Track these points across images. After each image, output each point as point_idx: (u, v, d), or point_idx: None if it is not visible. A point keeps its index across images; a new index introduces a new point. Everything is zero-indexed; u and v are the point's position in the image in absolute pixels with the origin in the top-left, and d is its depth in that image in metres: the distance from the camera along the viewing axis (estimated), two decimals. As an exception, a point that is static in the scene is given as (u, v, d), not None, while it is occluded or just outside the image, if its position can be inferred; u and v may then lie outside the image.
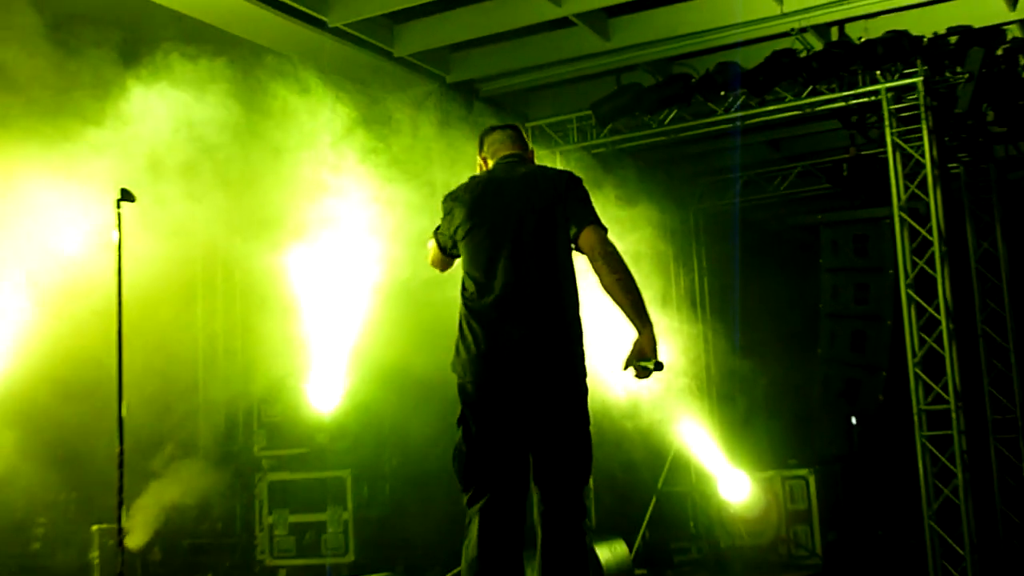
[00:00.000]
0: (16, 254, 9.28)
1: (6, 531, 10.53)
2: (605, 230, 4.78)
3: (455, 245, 4.97)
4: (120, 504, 5.81)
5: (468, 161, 9.14)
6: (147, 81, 8.19)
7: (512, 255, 4.69)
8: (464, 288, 4.81)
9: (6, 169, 8.54)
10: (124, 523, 5.89)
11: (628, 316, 4.67)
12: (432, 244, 5.19)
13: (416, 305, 9.25)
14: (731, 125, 10.66)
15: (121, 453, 5.86)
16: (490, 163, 5.14)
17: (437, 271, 5.26)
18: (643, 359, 4.60)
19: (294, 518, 10.60)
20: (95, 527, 10.10)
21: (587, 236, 4.72)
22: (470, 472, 4.69)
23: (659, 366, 4.65)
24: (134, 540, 7.74)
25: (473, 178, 5.11)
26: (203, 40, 9.10)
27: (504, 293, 4.66)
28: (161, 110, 8.19)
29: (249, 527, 11.04)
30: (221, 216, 10.85)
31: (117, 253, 6.14)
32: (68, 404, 8.46)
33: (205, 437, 9.86)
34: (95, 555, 10.44)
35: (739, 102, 10.41)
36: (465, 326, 4.73)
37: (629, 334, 4.63)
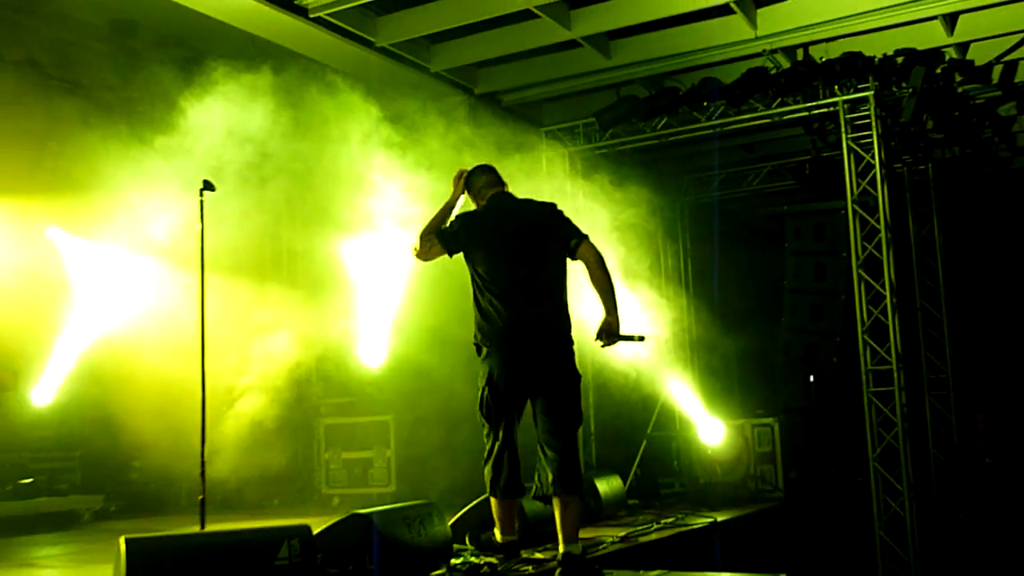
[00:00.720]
0: (119, 238, 9.39)
1: (112, 466, 10.67)
2: (588, 239, 5.54)
3: (459, 250, 5.57)
4: (203, 442, 5.83)
5: (489, 158, 9.20)
6: (220, 90, 8.15)
7: (522, 261, 5.42)
8: (482, 283, 5.43)
9: (96, 166, 8.58)
10: (206, 457, 5.89)
11: (604, 303, 5.45)
12: (428, 241, 5.58)
13: (449, 278, 9.29)
14: (712, 131, 10.62)
15: (203, 399, 5.89)
16: (484, 198, 5.73)
17: (421, 260, 5.68)
18: (611, 334, 5.41)
19: (346, 455, 10.68)
20: (182, 460, 10.24)
21: (584, 248, 5.50)
22: (494, 413, 5.41)
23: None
24: (214, 472, 7.79)
25: (479, 208, 5.72)
26: (268, 56, 9.13)
27: (519, 286, 5.38)
28: (231, 115, 8.17)
29: (309, 462, 11.14)
30: (285, 206, 10.95)
31: (200, 236, 6.10)
32: (167, 360, 8.48)
33: (276, 388, 9.88)
34: (182, 484, 10.62)
35: (719, 111, 10.37)
36: (488, 308, 5.40)
37: (599, 315, 5.49)
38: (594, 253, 5.50)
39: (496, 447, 5.44)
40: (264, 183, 9.06)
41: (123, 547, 4.04)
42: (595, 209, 10.25)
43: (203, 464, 5.82)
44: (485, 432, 5.49)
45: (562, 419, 5.41)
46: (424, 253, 5.61)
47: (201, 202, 6.04)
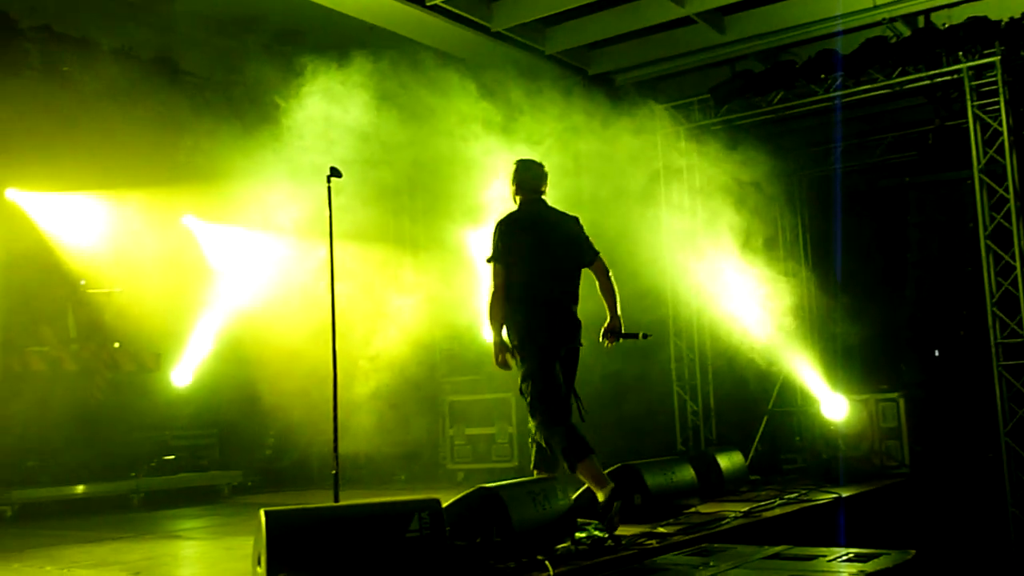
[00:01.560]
0: (253, 223, 9.65)
1: (248, 443, 11.06)
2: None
3: (512, 261, 5.89)
4: (335, 419, 5.97)
5: (606, 137, 9.17)
6: (342, 80, 8.26)
7: (563, 267, 6.02)
8: (530, 287, 5.86)
9: (228, 157, 8.83)
10: (340, 432, 6.02)
11: (611, 308, 6.16)
12: (497, 272, 5.91)
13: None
14: (830, 103, 10.34)
15: (335, 378, 6.02)
16: (524, 196, 6.10)
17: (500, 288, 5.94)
18: (615, 332, 6.13)
19: (470, 431, 10.82)
20: (314, 437, 10.54)
21: (598, 263, 6.18)
22: (563, 401, 5.89)
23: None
24: (344, 448, 7.98)
25: (521, 212, 6.07)
26: (382, 43, 9.26)
27: (562, 291, 5.98)
28: (352, 105, 8.27)
29: (434, 438, 11.33)
30: (407, 192, 11.13)
31: (328, 220, 6.17)
32: (300, 340, 8.72)
33: (403, 366, 10.10)
34: (314, 459, 10.94)
35: (837, 83, 10.09)
36: (539, 311, 5.86)
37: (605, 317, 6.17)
38: (604, 265, 6.20)
39: (566, 431, 5.81)
40: (386, 169, 9.23)
41: (263, 519, 4.19)
42: (711, 185, 10.11)
43: (335, 440, 5.95)
44: (552, 420, 5.81)
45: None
46: (501, 285, 5.92)
47: (329, 188, 6.12)
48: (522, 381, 5.88)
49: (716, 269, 9.76)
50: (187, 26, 10.32)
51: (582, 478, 5.75)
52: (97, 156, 8.93)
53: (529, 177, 6.13)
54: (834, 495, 7.59)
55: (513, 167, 6.21)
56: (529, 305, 5.85)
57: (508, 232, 5.93)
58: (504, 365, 5.99)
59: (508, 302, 5.86)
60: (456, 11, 9.75)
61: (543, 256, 5.93)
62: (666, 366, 10.98)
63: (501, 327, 5.90)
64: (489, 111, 8.56)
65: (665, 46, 10.89)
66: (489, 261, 5.94)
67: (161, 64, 9.83)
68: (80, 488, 8.88)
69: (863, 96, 10.24)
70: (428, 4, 9.48)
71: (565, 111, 8.94)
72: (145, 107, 9.51)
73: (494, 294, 5.87)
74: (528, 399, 5.87)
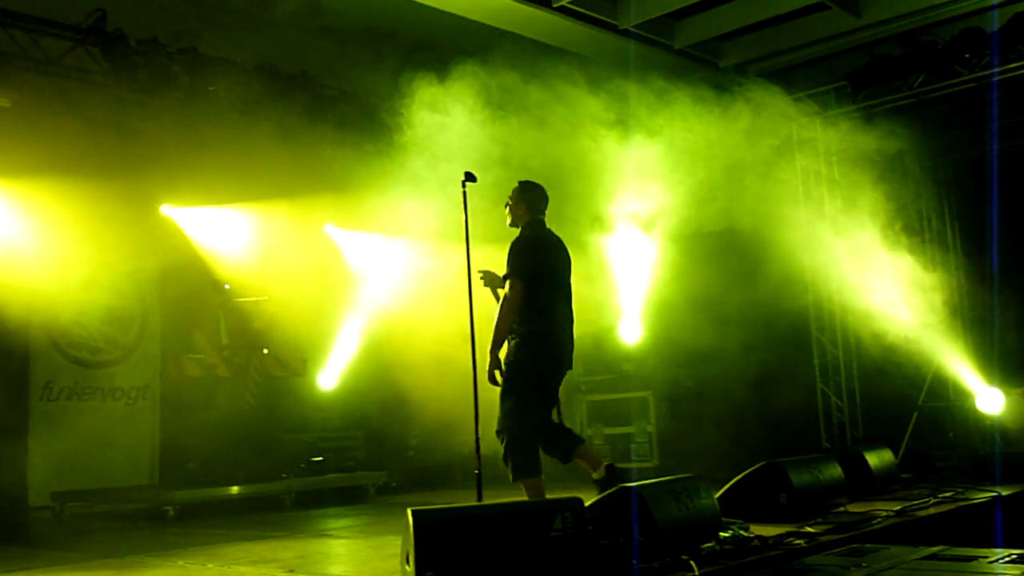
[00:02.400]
0: (392, 230, 9.82)
1: (392, 444, 11.29)
2: None
3: (536, 281, 6.08)
4: (476, 419, 6.01)
5: (740, 130, 9.00)
6: (471, 86, 8.37)
7: (569, 292, 6.31)
8: (540, 310, 6.06)
9: (365, 166, 9.05)
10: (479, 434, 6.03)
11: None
12: (520, 289, 6.07)
13: (711, 253, 9.23)
14: (975, 84, 9.87)
15: (475, 378, 6.07)
16: (529, 217, 6.28)
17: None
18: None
19: (608, 430, 10.82)
20: (455, 437, 10.72)
21: None
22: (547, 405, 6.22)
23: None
24: (485, 448, 8.05)
25: (539, 234, 6.27)
26: (510, 48, 9.30)
27: (566, 316, 6.25)
28: (483, 110, 8.39)
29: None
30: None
31: (464, 223, 6.20)
32: (440, 343, 8.82)
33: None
34: (455, 460, 11.10)
35: (983, 63, 9.63)
36: (552, 331, 6.12)
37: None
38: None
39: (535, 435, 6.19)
40: (518, 171, 9.27)
41: (411, 519, 4.28)
42: (850, 175, 9.81)
43: (477, 441, 5.99)
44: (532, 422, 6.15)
45: None
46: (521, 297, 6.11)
47: (464, 192, 6.18)
48: (508, 396, 6.05)
49: (858, 260, 9.47)
50: (324, 41, 10.63)
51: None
52: (242, 170, 9.27)
53: (536, 197, 6.36)
54: (992, 493, 7.27)
55: (520, 188, 6.38)
56: (547, 327, 6.11)
57: (536, 251, 6.18)
58: (495, 381, 6.07)
59: (524, 322, 6.05)
60: (583, 11, 9.75)
61: (558, 279, 6.28)
62: (809, 361, 10.69)
63: (502, 345, 6.07)
64: (618, 110, 8.53)
65: (798, 34, 10.62)
66: (511, 277, 6.11)
67: (300, 79, 10.13)
68: (235, 489, 9.24)
69: (1013, 75, 9.75)
70: (555, 5, 9.51)
71: (696, 106, 8.81)
72: (285, 121, 9.82)
73: (511, 311, 6.05)
74: (508, 418, 6.06)
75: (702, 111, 8.77)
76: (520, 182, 6.46)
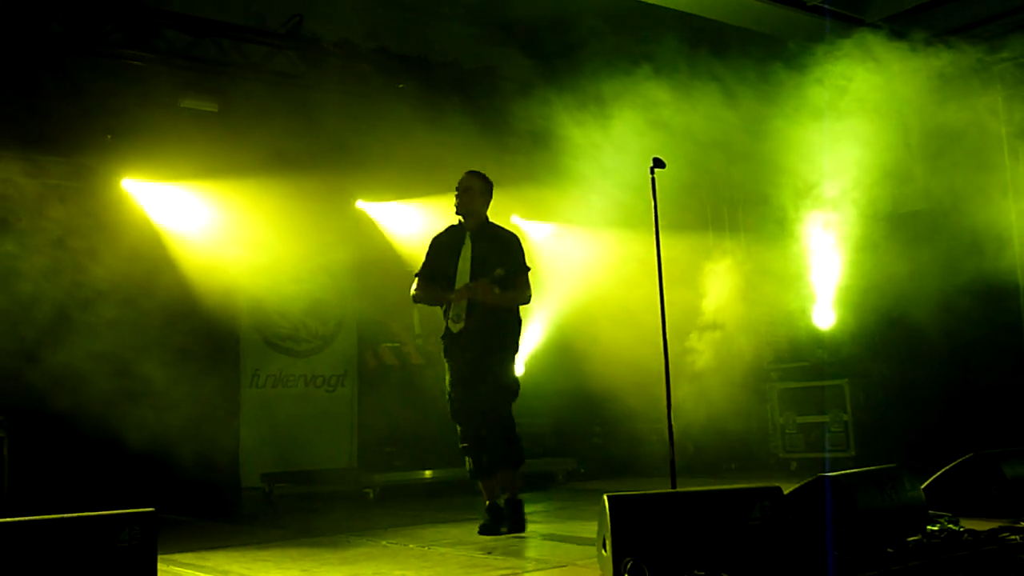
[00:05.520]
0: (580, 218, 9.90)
1: (580, 432, 11.40)
2: None
3: None
4: (668, 406, 5.96)
5: (942, 102, 8.55)
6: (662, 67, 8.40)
7: None
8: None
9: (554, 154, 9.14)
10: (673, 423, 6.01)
11: None
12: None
13: (910, 233, 8.87)
14: None
15: (667, 368, 6.04)
16: (484, 208, 6.46)
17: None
18: None
19: (801, 419, 10.54)
20: (639, 426, 10.71)
21: None
22: None
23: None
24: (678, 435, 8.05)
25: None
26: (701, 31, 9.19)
27: None
28: (674, 92, 8.38)
29: (763, 427, 11.12)
30: (724, 178, 10.98)
31: (654, 212, 6.15)
32: (628, 331, 8.86)
33: (729, 354, 10.01)
34: (642, 447, 11.07)
35: None
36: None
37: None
38: None
39: None
40: (703, 154, 9.16)
41: (607, 504, 4.32)
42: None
43: (671, 429, 5.95)
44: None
45: None
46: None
47: (652, 179, 6.12)
48: (505, 382, 6.32)
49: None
50: (506, 33, 10.79)
51: (485, 486, 6.43)
52: (430, 164, 9.53)
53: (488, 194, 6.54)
54: None
55: (483, 181, 6.44)
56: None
57: None
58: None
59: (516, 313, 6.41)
60: (828, 7, 9.54)
61: None
62: (1019, 343, 10.06)
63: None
64: (813, 88, 8.31)
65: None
66: (525, 276, 6.39)
67: (484, 73, 10.32)
68: (428, 473, 9.56)
69: None
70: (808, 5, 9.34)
71: (894, 79, 8.45)
72: (468, 114, 10.04)
73: (520, 304, 6.42)
74: (501, 406, 6.30)
75: (898, 85, 8.42)
76: (477, 173, 6.44)
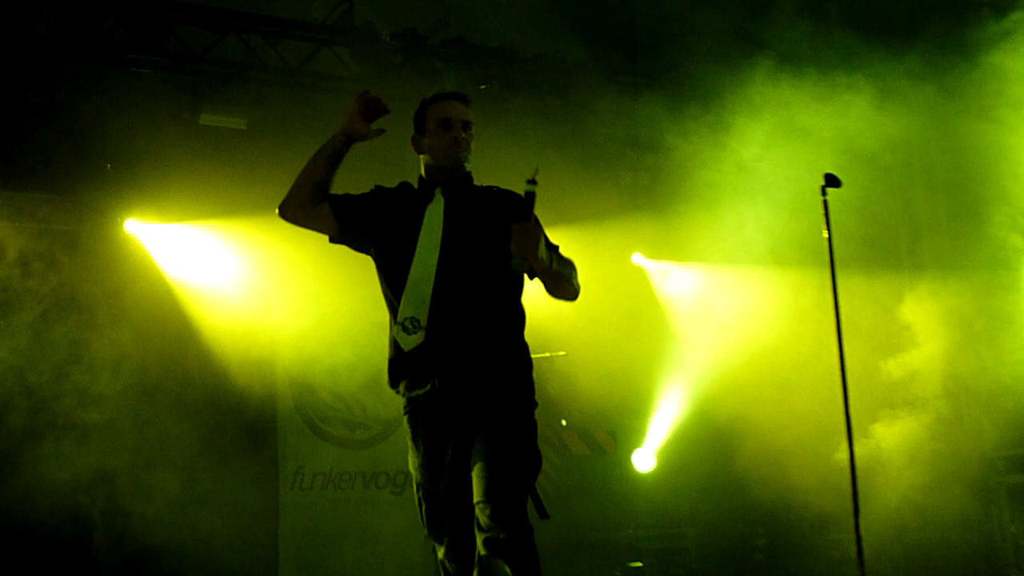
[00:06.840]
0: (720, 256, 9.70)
1: (735, 545, 10.90)
2: None
3: None
4: (855, 509, 5.63)
5: None
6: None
7: None
8: None
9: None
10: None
11: None
12: None
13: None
14: None
15: (852, 456, 5.66)
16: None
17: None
18: None
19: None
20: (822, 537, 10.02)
21: None
22: None
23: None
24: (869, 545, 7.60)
25: None
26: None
27: None
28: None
29: (988, 535, 10.33)
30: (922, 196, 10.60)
31: (828, 240, 6.18)
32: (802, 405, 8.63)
33: (934, 431, 9.58)
34: (821, 562, 10.42)
35: None
36: None
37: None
38: None
39: None
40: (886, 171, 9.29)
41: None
42: None
43: (859, 542, 5.60)
44: None
45: None
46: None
47: (824, 201, 6.19)
48: (531, 458, 4.28)
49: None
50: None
51: None
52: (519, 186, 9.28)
53: None
54: None
55: None
56: None
57: None
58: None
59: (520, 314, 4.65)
60: None
61: None
62: None
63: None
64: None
65: None
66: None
67: (586, 66, 10.14)
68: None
69: None
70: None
71: None
72: (570, 121, 10.02)
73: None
74: (520, 503, 4.21)
75: None
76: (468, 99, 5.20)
